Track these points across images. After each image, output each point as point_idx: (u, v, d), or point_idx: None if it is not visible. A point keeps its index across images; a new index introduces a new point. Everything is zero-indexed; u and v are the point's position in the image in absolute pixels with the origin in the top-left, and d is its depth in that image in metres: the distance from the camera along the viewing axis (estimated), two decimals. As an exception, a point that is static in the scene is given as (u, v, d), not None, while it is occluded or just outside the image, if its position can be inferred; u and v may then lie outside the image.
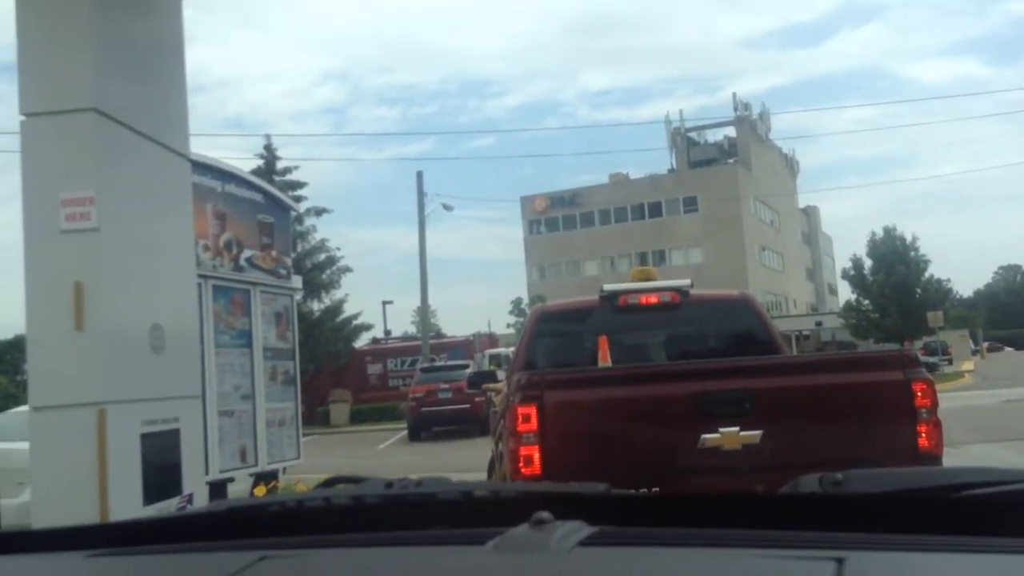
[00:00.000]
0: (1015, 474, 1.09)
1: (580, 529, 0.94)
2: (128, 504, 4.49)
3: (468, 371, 17.89)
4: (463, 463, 12.74)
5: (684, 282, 6.98)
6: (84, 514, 4.12)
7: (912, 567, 0.83)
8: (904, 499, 1.04)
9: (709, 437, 4.50)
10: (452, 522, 1.07)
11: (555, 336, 6.98)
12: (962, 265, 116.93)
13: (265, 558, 0.97)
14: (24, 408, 7.16)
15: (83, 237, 4.52)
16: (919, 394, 4.59)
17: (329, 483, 1.35)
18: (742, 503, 1.06)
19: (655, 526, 0.97)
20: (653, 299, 6.76)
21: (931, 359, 35.91)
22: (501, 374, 8.48)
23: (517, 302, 47.65)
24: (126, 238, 4.79)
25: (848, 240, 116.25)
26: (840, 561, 0.80)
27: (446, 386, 22.52)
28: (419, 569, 0.93)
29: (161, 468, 4.97)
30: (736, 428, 4.51)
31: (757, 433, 4.49)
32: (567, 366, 6.19)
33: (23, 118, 4.67)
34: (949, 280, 46.09)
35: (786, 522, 0.95)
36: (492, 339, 34.95)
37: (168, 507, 4.80)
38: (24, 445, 4.77)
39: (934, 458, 4.48)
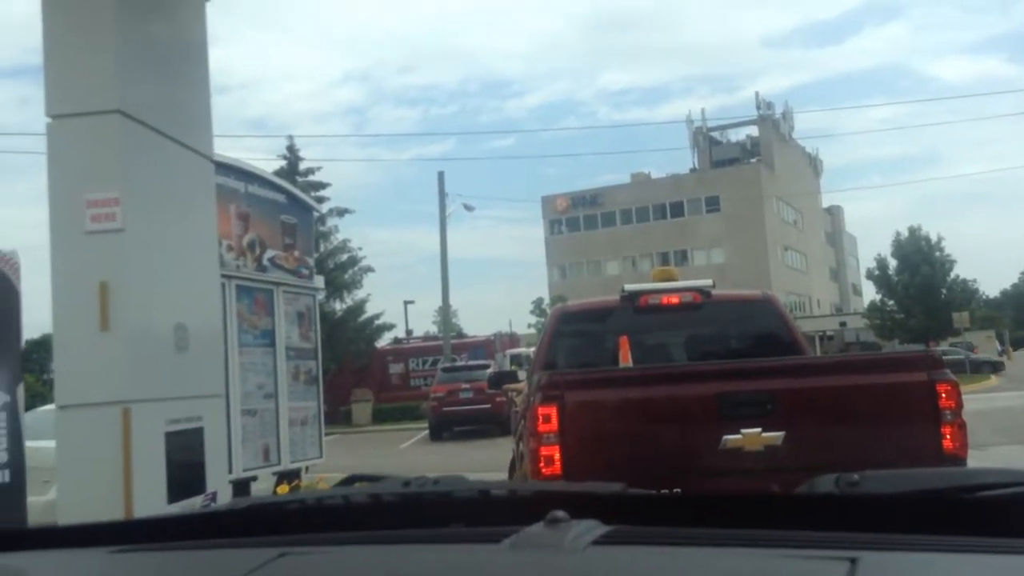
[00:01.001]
0: None
1: (595, 528, 0.95)
2: (152, 502, 4.54)
3: (489, 371, 17.92)
4: (484, 463, 12.75)
5: (706, 282, 6.93)
6: (109, 512, 4.16)
7: (927, 567, 0.83)
8: (920, 500, 1.04)
9: (731, 438, 4.48)
10: (469, 520, 1.08)
11: (576, 336, 6.96)
12: (988, 265, 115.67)
13: (285, 555, 0.99)
14: (50, 407, 7.24)
15: (108, 238, 4.57)
16: (943, 395, 4.55)
17: (348, 481, 1.36)
18: (757, 503, 1.06)
19: (670, 526, 0.98)
20: (675, 299, 6.72)
21: (973, 356, 35.60)
22: (522, 374, 8.47)
23: (538, 302, 47.69)
24: (151, 238, 4.84)
25: (872, 240, 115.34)
26: (854, 561, 0.80)
27: (467, 386, 22.55)
28: (436, 566, 0.94)
29: (185, 466, 5.02)
30: (758, 429, 4.48)
31: (779, 434, 4.47)
32: (588, 366, 6.17)
33: (49, 120, 4.72)
34: (975, 280, 45.75)
35: (801, 522, 0.96)
36: (513, 339, 34.98)
37: (192, 505, 4.85)
38: (50, 443, 4.83)
39: (958, 460, 4.44)
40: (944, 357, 5.48)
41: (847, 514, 1.00)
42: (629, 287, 6.96)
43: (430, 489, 1.21)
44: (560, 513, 0.95)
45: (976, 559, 0.84)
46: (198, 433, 5.19)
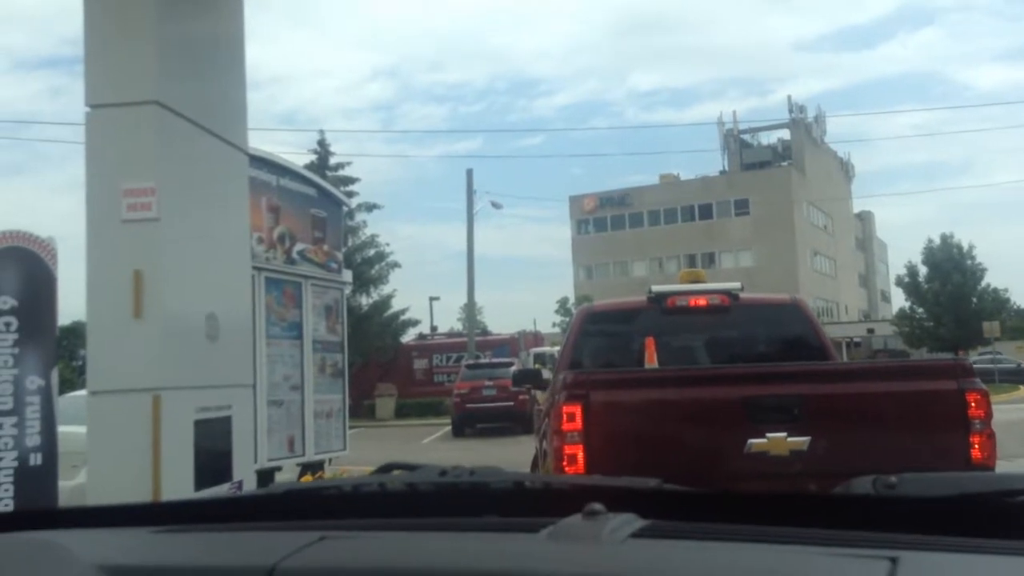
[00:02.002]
0: None
1: (632, 521, 0.96)
2: (180, 488, 4.59)
3: (513, 369, 17.93)
4: (506, 460, 12.75)
5: (734, 285, 6.89)
6: (137, 496, 4.22)
7: (969, 569, 0.82)
8: (960, 502, 1.04)
9: (756, 442, 4.45)
10: (504, 511, 1.09)
11: (601, 336, 6.95)
12: (1020, 275, 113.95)
13: (325, 538, 1.00)
14: (80, 393, 7.34)
15: (144, 227, 4.63)
16: (973, 404, 4.50)
17: (384, 469, 1.38)
18: (796, 502, 1.07)
19: (707, 522, 0.98)
20: (702, 301, 6.68)
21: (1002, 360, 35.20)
22: (546, 373, 8.47)
23: (563, 301, 47.55)
24: (185, 228, 4.90)
25: (902, 247, 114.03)
26: (894, 560, 0.80)
27: (490, 383, 22.59)
28: (473, 553, 0.95)
29: (213, 454, 5.07)
30: (784, 434, 4.45)
31: (805, 439, 4.44)
32: (613, 367, 6.16)
33: (88, 110, 4.79)
34: (1007, 290, 45.05)
35: (839, 522, 0.96)
36: (537, 338, 34.97)
37: (219, 493, 4.90)
38: (79, 429, 4.90)
39: (987, 470, 4.39)
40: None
41: (886, 515, 1.00)
42: (656, 288, 6.94)
43: (466, 479, 1.22)
44: (598, 505, 0.96)
45: (1020, 562, 0.84)
46: (226, 422, 5.25)
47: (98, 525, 1.24)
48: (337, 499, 1.25)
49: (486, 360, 27.31)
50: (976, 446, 4.45)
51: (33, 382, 5.55)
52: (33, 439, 5.51)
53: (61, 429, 5.91)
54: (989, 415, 4.54)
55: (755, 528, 0.94)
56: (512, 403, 21.26)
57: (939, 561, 0.84)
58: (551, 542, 0.94)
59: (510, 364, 23.21)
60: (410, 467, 1.36)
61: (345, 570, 0.93)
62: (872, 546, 0.85)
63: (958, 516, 0.98)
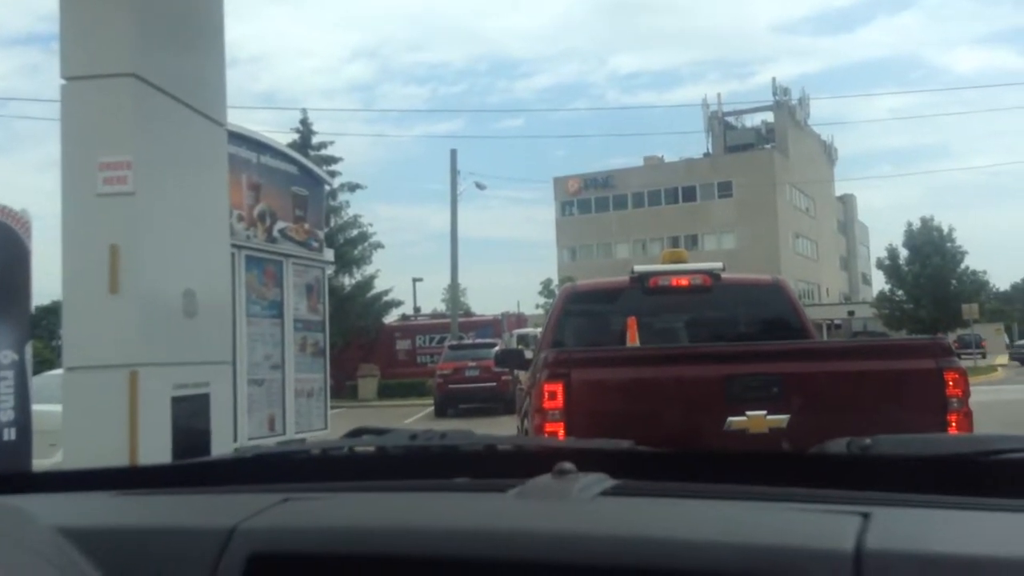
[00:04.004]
0: None
1: (602, 480, 0.94)
2: (158, 465, 4.56)
3: (495, 349, 17.93)
4: (488, 440, 12.77)
5: (716, 265, 6.91)
6: (115, 473, 4.18)
7: (941, 523, 0.82)
8: (933, 461, 1.03)
9: (735, 420, 4.48)
10: (476, 473, 1.08)
11: (584, 316, 6.95)
12: (999, 258, 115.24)
13: (289, 500, 0.98)
14: (58, 371, 7.27)
15: (120, 201, 4.57)
16: (951, 383, 4.53)
17: (354, 434, 1.36)
18: (768, 461, 1.06)
19: (679, 481, 0.97)
20: (684, 281, 6.70)
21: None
22: (529, 354, 8.47)
23: (547, 283, 47.55)
24: (162, 203, 4.84)
25: (882, 230, 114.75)
26: (866, 516, 0.79)
27: (473, 364, 22.61)
28: (441, 512, 0.93)
29: (190, 432, 5.03)
30: (763, 412, 4.48)
31: (784, 418, 4.47)
32: (595, 346, 6.17)
33: (63, 82, 4.71)
34: (985, 272, 45.41)
35: (812, 481, 0.95)
36: (520, 319, 34.99)
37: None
38: (58, 408, 4.86)
39: (965, 447, 4.42)
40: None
41: (859, 474, 1.00)
42: (639, 268, 6.94)
43: (437, 442, 1.21)
44: (568, 465, 0.94)
45: (993, 517, 0.83)
46: (204, 399, 5.21)
47: (60, 490, 1.22)
48: (305, 463, 1.23)
49: (469, 341, 27.32)
50: (954, 424, 4.49)
51: (6, 356, 5.49)
52: (6, 414, 5.45)
53: (40, 407, 5.86)
54: (967, 393, 4.58)
55: (726, 487, 0.93)
56: (495, 384, 21.30)
57: (911, 516, 0.83)
58: (519, 500, 0.92)
59: (493, 345, 23.23)
60: (380, 432, 1.34)
61: (307, 530, 0.91)
62: (844, 502, 0.85)
63: (931, 475, 0.97)
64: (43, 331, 27.07)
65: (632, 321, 6.17)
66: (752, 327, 6.79)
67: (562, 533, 0.83)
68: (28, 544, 0.92)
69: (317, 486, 1.07)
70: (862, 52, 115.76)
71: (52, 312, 18.76)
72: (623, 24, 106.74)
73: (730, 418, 4.48)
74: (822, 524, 0.80)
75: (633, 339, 6.12)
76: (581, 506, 0.89)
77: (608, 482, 0.95)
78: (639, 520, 0.85)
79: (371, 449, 1.26)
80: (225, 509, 0.97)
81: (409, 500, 1.00)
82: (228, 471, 1.26)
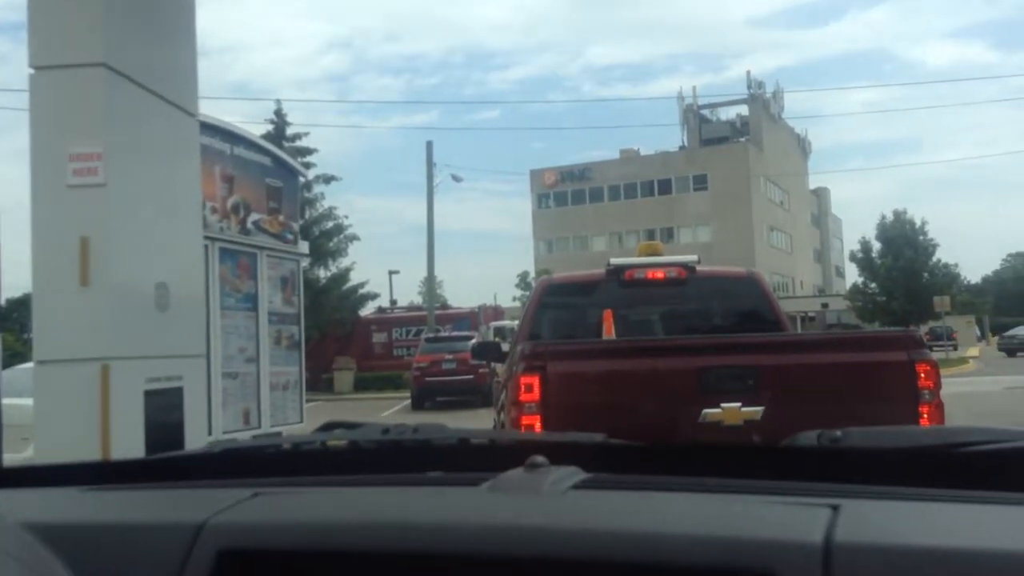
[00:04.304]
0: (1013, 433, 1.08)
1: (574, 474, 0.94)
2: (130, 460, 4.51)
3: (472, 342, 17.94)
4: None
5: (691, 258, 6.95)
6: (86, 468, 4.14)
7: (910, 515, 0.82)
8: (902, 453, 1.04)
9: (710, 412, 4.51)
10: (449, 467, 1.07)
11: (560, 308, 6.97)
12: (970, 252, 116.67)
13: (258, 494, 0.98)
14: (29, 365, 7.18)
15: (90, 192, 4.51)
16: (922, 375, 4.58)
17: (326, 428, 1.35)
18: (739, 454, 1.06)
19: (651, 474, 0.97)
20: (659, 274, 6.74)
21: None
22: (505, 346, 8.48)
23: (523, 276, 47.55)
24: (133, 195, 4.79)
25: (855, 223, 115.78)
26: (836, 508, 0.80)
27: (450, 357, 22.61)
28: (411, 507, 0.93)
29: (164, 426, 4.99)
30: (738, 404, 4.51)
31: (759, 409, 4.50)
32: (571, 338, 6.18)
33: (32, 71, 4.64)
34: (957, 265, 45.93)
35: (782, 473, 0.95)
36: (497, 311, 34.99)
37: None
38: (28, 401, 4.80)
39: (936, 438, 4.48)
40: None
41: (829, 466, 1.00)
42: (615, 261, 6.98)
43: (409, 436, 1.20)
44: (540, 458, 0.94)
45: (962, 509, 0.84)
46: (178, 393, 5.17)
47: (28, 485, 1.20)
48: (276, 457, 1.22)
49: (446, 334, 27.29)
50: (925, 415, 4.54)
51: (-24, 350, 5.42)
52: (-25, 408, 5.38)
53: (10, 401, 5.78)
54: (938, 385, 4.64)
55: (697, 480, 0.94)
56: (472, 376, 21.31)
57: (881, 508, 0.83)
58: (491, 494, 0.92)
59: (470, 338, 23.21)
60: (352, 425, 1.34)
61: (278, 525, 0.91)
62: (813, 495, 0.85)
63: (902, 467, 0.98)
64: (14, 324, 26.76)
65: (608, 314, 6.20)
66: (727, 319, 6.83)
67: (534, 527, 0.83)
68: None
69: (288, 480, 1.07)
70: (835, 46, 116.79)
71: (23, 305, 18.51)
72: (597, 15, 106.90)
73: (705, 410, 4.52)
74: (792, 516, 0.80)
75: (609, 332, 6.14)
76: (553, 500, 0.89)
77: (580, 475, 0.95)
78: (610, 513, 0.85)
79: (343, 443, 1.25)
80: (195, 504, 0.96)
81: (381, 495, 0.99)
82: (198, 465, 1.24)
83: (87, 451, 4.41)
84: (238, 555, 0.88)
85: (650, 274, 6.73)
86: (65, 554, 0.92)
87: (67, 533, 0.95)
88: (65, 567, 0.91)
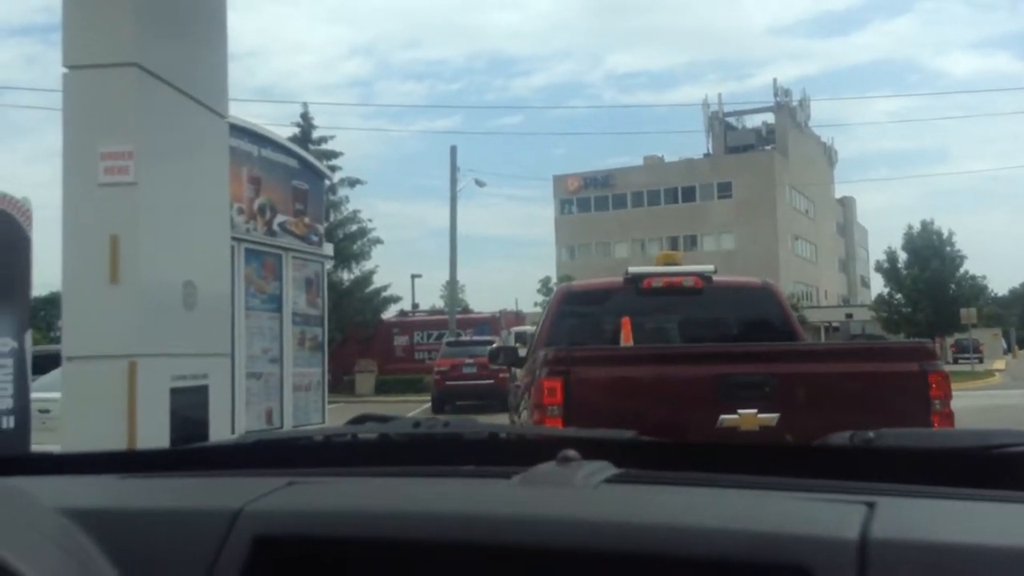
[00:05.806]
0: None
1: (606, 468, 0.95)
2: (155, 456, 4.55)
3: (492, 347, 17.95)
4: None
5: (708, 268, 7.07)
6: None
7: (947, 513, 0.82)
8: (937, 453, 1.03)
9: (727, 417, 4.61)
10: (479, 461, 1.08)
11: (578, 316, 7.04)
12: (997, 263, 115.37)
13: (294, 483, 0.99)
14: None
15: (121, 191, 4.56)
16: (934, 385, 4.68)
17: (358, 420, 1.36)
18: (772, 452, 1.06)
19: (683, 471, 0.97)
20: (676, 283, 6.81)
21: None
22: (523, 351, 8.54)
23: (545, 281, 47.52)
24: (163, 194, 4.83)
25: (881, 233, 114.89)
26: (871, 506, 0.80)
27: (471, 361, 22.61)
28: (445, 497, 0.94)
29: (188, 423, 5.03)
30: (754, 410, 4.59)
31: (774, 416, 4.59)
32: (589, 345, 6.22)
33: (65, 70, 4.70)
34: (984, 277, 45.49)
35: (816, 471, 0.95)
36: (519, 316, 34.99)
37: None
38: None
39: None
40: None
41: (864, 465, 1.00)
42: (633, 269, 7.08)
43: (440, 430, 1.21)
44: (572, 452, 0.95)
45: (997, 507, 0.84)
46: (203, 391, 5.21)
47: (62, 472, 1.22)
48: (309, 448, 1.23)
49: (467, 338, 27.32)
50: (936, 424, 4.59)
51: (6, 344, 5.48)
52: (5, 402, 5.45)
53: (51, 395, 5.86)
54: (949, 395, 4.75)
55: (730, 476, 0.94)
56: (492, 381, 21.27)
57: (917, 506, 0.83)
58: (523, 487, 0.93)
59: (491, 342, 23.22)
60: (383, 419, 1.35)
61: (312, 513, 0.92)
62: (849, 492, 0.85)
63: (937, 466, 0.98)
64: (41, 322, 27.05)
65: (626, 321, 6.28)
66: (741, 329, 6.88)
67: (566, 519, 0.83)
68: (34, 525, 0.93)
69: (321, 471, 1.08)
70: (858, 56, 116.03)
71: (50, 303, 18.71)
72: (618, 22, 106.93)
73: (722, 416, 4.61)
74: (827, 512, 0.80)
75: (627, 339, 6.20)
76: (585, 493, 0.89)
77: (612, 470, 0.95)
78: (643, 507, 0.85)
79: (374, 436, 1.26)
80: (230, 492, 0.98)
81: (414, 485, 1.00)
82: (231, 456, 1.26)
83: (113, 446, 4.45)
84: (273, 542, 0.89)
85: (667, 283, 6.81)
86: (101, 540, 0.93)
87: (103, 519, 0.96)
88: (102, 552, 0.92)
